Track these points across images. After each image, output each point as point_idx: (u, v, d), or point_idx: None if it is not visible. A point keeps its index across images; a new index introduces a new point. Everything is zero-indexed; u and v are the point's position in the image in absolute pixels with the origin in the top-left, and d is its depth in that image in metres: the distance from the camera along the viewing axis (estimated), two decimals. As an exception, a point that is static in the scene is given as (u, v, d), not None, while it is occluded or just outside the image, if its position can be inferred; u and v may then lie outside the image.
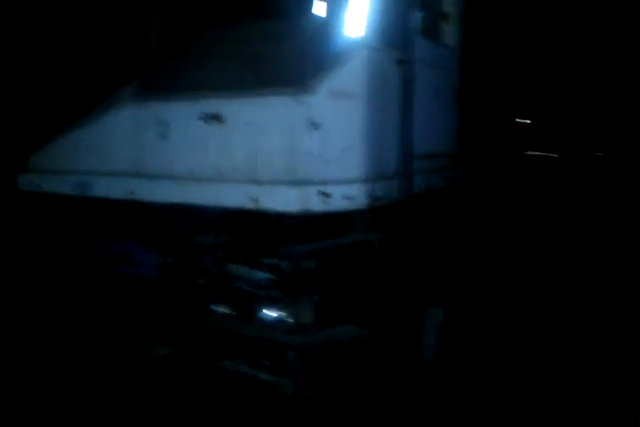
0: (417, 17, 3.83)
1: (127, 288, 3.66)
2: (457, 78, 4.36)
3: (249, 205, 3.05)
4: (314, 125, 2.98)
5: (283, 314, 3.10)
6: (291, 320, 3.08)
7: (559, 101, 7.50)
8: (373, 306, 3.34)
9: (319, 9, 3.26)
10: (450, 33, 4.33)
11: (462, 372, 4.08)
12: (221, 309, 3.29)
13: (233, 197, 3.12)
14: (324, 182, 3.00)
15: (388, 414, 3.52)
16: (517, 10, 5.49)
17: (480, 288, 4.64)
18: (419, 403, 3.68)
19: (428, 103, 3.89)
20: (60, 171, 3.88)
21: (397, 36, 3.40)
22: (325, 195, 2.98)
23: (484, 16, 4.84)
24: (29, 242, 4.09)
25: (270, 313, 3.13)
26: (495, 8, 5.08)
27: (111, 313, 3.72)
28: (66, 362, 4.03)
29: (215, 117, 3.26)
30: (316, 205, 2.96)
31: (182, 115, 3.41)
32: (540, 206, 5.77)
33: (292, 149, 3.02)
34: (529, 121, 6.56)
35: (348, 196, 3.04)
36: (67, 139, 3.87)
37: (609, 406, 3.63)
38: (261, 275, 3.11)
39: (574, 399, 3.75)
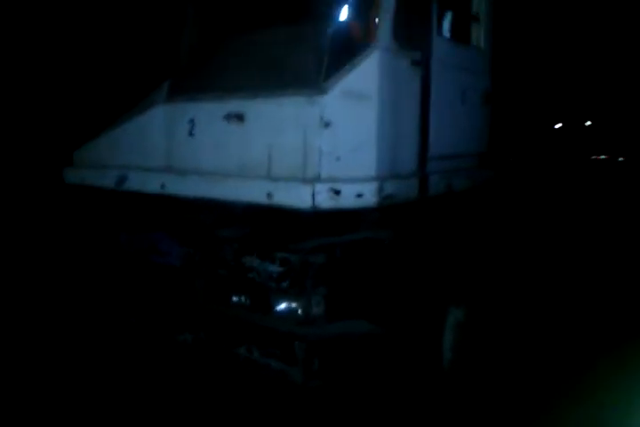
0: (445, 19, 3.90)
1: (156, 277, 3.89)
2: (487, 80, 4.37)
3: (264, 200, 3.20)
4: (325, 124, 3.10)
5: (293, 306, 3.23)
6: (300, 312, 3.21)
7: (592, 104, 7.34)
8: (384, 302, 3.41)
9: (337, 13, 3.36)
10: (480, 35, 4.35)
11: (481, 374, 4.08)
12: (238, 298, 3.46)
13: (251, 192, 3.28)
14: (334, 180, 3.12)
15: (395, 412, 3.57)
16: (550, 10, 5.42)
17: (502, 289, 4.62)
18: (431, 403, 3.71)
19: (452, 104, 3.95)
20: (100, 166, 4.16)
21: (415, 37, 3.47)
22: (335, 192, 3.09)
23: (516, 17, 4.82)
24: (72, 230, 4.39)
25: (281, 305, 3.27)
26: (527, 8, 5.04)
27: (141, 299, 3.95)
28: (99, 342, 4.31)
29: (238, 117, 3.44)
30: (326, 201, 3.08)
31: (209, 114, 3.61)
32: (564, 207, 5.69)
33: (304, 147, 3.15)
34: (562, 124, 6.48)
35: (357, 193, 3.14)
36: (107, 136, 4.15)
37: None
38: (273, 268, 3.25)
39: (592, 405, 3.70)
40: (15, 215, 5.81)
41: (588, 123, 7.83)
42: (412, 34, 3.45)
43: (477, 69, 4.27)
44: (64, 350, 4.34)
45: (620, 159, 8.15)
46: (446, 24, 4.00)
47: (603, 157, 8.05)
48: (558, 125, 6.61)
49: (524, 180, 5.07)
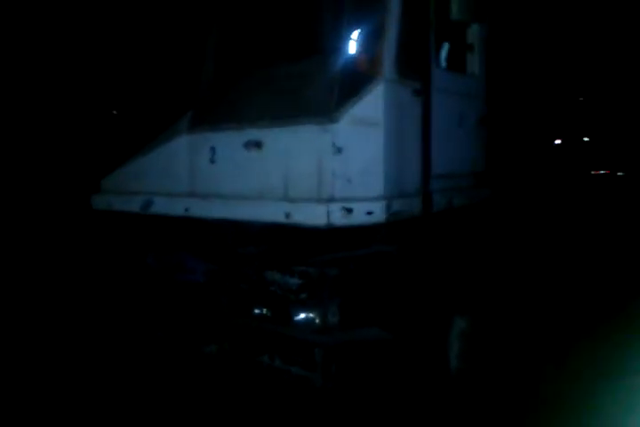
0: (442, 49, 4.26)
1: (181, 293, 4.19)
2: (482, 104, 4.71)
3: (282, 219, 3.51)
4: (337, 150, 3.43)
5: (310, 315, 3.53)
6: (318, 321, 3.50)
7: (586, 122, 7.64)
8: (394, 311, 3.70)
9: (345, 49, 3.72)
10: (475, 63, 4.69)
11: (487, 382, 4.28)
12: (259, 311, 3.75)
13: (269, 212, 3.61)
14: (346, 200, 3.44)
15: (403, 414, 3.82)
16: (540, 39, 5.79)
17: (504, 299, 4.87)
18: (437, 407, 3.93)
19: (450, 127, 4.28)
20: (126, 192, 4.49)
21: (415, 69, 3.82)
22: (348, 210, 3.41)
23: (508, 45, 5.17)
24: (101, 252, 4.71)
25: (300, 315, 3.56)
26: (518, 37, 5.40)
27: (167, 315, 4.25)
28: (128, 355, 4.59)
29: (256, 144, 3.78)
30: (339, 219, 3.40)
31: (229, 142, 3.95)
32: (561, 220, 5.94)
33: (318, 171, 3.48)
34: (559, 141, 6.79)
35: (367, 211, 3.46)
36: (133, 164, 4.49)
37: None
38: (293, 280, 3.56)
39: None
40: (45, 237, 6.17)
41: (586, 139, 8.12)
42: (412, 66, 3.80)
43: (473, 94, 4.61)
44: (94, 364, 4.62)
45: (620, 174, 8.39)
46: (444, 54, 4.35)
47: (602, 172, 8.31)
48: (557, 142, 6.90)
49: (521, 196, 5.36)
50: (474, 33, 4.65)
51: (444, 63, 4.39)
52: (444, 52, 4.43)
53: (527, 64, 5.59)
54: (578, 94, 7.23)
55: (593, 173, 7.90)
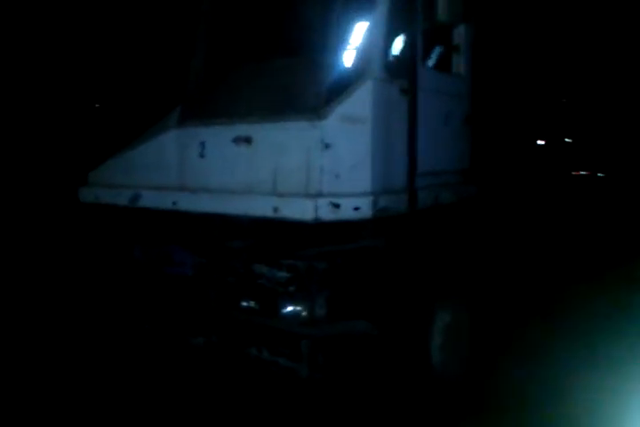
0: (429, 49, 4.35)
1: (168, 286, 4.23)
2: (467, 103, 4.81)
3: (271, 214, 3.57)
4: (325, 146, 3.50)
5: (298, 308, 3.59)
6: (305, 313, 3.57)
7: (569, 121, 7.81)
8: (379, 304, 3.79)
9: (334, 46, 3.79)
10: (460, 63, 4.79)
11: (469, 375, 4.41)
12: (247, 303, 3.81)
13: (258, 207, 3.66)
14: (334, 195, 3.51)
15: (386, 405, 3.93)
16: (524, 39, 5.91)
17: (487, 293, 4.98)
18: (419, 399, 4.04)
19: (437, 125, 4.36)
20: (114, 185, 4.51)
21: (402, 68, 3.90)
22: (335, 206, 3.48)
23: (492, 46, 5.28)
24: (87, 245, 4.73)
25: (288, 307, 3.63)
26: (502, 38, 5.52)
27: (154, 307, 4.28)
28: (115, 348, 4.64)
29: (246, 139, 3.83)
30: (327, 214, 3.46)
31: (219, 137, 3.99)
32: (543, 217, 6.09)
33: (307, 166, 3.54)
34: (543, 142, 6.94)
35: (355, 207, 3.53)
36: (121, 157, 4.52)
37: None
38: (281, 274, 3.62)
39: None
40: (32, 231, 6.16)
41: (568, 140, 8.29)
42: (400, 65, 3.88)
43: (459, 94, 4.70)
44: (83, 357, 4.65)
45: (600, 175, 8.60)
46: (430, 55, 4.44)
47: (583, 173, 8.50)
48: (540, 142, 7.05)
49: (506, 193, 5.48)
50: (460, 34, 4.73)
51: (430, 63, 4.48)
52: (430, 53, 4.52)
53: (512, 64, 5.71)
54: (561, 95, 7.38)
55: (573, 173, 8.09)
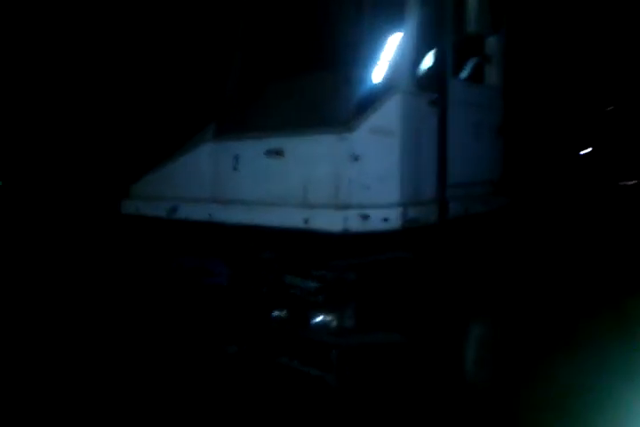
0: (467, 63, 4.38)
1: (205, 295, 4.35)
2: (499, 114, 4.80)
3: (301, 225, 3.65)
4: (355, 158, 3.56)
5: (328, 318, 3.65)
6: (334, 323, 3.63)
7: (616, 130, 7.61)
8: (409, 315, 3.81)
9: (363, 60, 3.86)
10: (493, 74, 4.80)
11: (501, 388, 4.35)
12: (279, 313, 3.89)
13: (289, 218, 3.74)
14: (363, 206, 3.56)
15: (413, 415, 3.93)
16: (558, 47, 5.86)
17: (523, 305, 4.93)
18: (447, 411, 4.02)
19: (467, 137, 4.38)
20: (154, 197, 4.68)
21: (432, 81, 3.94)
22: (364, 217, 3.53)
23: (525, 55, 5.26)
24: (128, 255, 4.91)
25: (317, 317, 3.69)
26: (535, 47, 5.48)
27: (193, 316, 4.41)
28: (158, 355, 4.78)
29: (277, 152, 3.92)
30: (356, 225, 3.52)
31: (252, 150, 4.10)
32: (577, 230, 5.96)
33: (336, 178, 3.61)
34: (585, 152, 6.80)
35: (384, 218, 3.58)
36: (160, 171, 4.68)
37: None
38: (311, 284, 3.69)
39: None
40: (76, 242, 6.43)
41: (614, 148, 8.03)
42: (429, 77, 3.93)
43: (490, 105, 4.71)
44: (119, 361, 4.81)
45: None
46: (464, 66, 4.47)
47: (631, 182, 8.22)
48: (584, 152, 6.91)
49: (539, 204, 5.41)
50: (491, 44, 4.75)
51: (464, 74, 4.51)
52: (463, 64, 4.54)
53: (546, 73, 5.67)
54: (599, 103, 7.25)
55: (620, 183, 7.84)
